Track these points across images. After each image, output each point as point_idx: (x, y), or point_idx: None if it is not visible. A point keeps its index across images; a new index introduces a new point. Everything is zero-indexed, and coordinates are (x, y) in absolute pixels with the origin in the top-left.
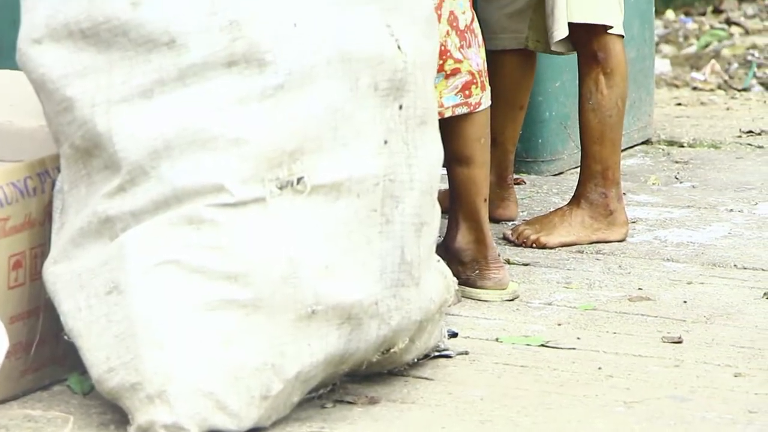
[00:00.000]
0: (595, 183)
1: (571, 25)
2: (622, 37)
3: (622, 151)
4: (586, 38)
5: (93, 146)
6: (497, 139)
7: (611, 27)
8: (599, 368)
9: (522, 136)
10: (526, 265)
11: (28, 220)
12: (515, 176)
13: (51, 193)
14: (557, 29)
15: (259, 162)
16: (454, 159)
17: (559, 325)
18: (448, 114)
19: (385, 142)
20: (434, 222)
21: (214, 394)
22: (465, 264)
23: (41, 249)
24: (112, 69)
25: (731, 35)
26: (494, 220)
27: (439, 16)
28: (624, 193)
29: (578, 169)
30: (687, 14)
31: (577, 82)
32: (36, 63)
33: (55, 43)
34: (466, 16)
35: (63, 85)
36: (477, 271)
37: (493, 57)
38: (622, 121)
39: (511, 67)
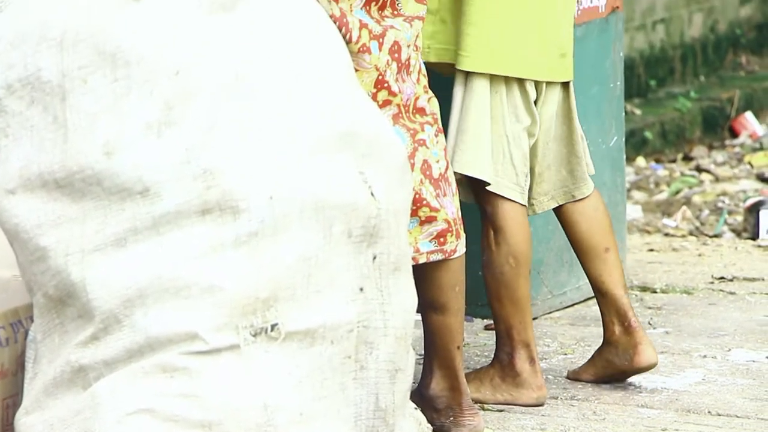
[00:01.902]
0: (502, 342)
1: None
2: (522, 205)
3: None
4: (478, 191)
5: (66, 295)
6: (601, 289)
7: (488, 183)
8: None
9: None
10: (501, 411)
11: (1, 370)
12: (486, 322)
13: (24, 343)
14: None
15: (233, 309)
16: (428, 306)
17: None
18: (422, 260)
19: (361, 290)
20: (408, 368)
21: None
22: (439, 411)
23: (13, 399)
24: (86, 218)
25: (702, 182)
26: (636, 370)
27: (413, 165)
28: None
29: (552, 315)
30: (658, 161)
31: (549, 227)
32: (10, 213)
33: (29, 193)
34: (441, 164)
35: (37, 235)
36: (452, 418)
37: (556, 213)
38: (519, 280)
39: (577, 214)
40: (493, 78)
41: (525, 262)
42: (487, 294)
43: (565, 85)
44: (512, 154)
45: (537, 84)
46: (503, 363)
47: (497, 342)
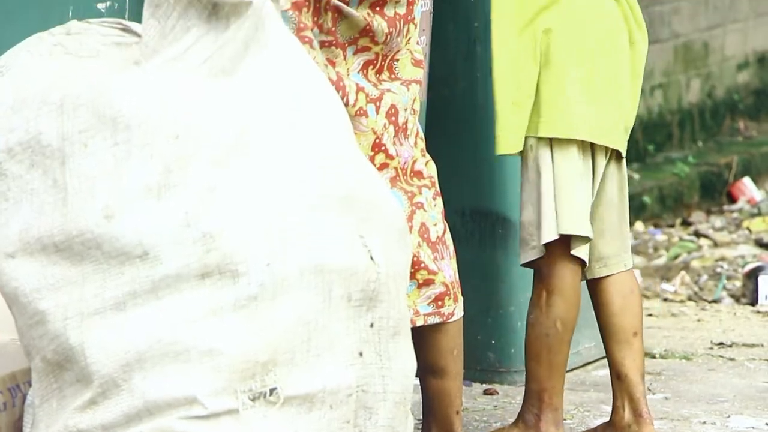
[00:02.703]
0: (531, 403)
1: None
2: (583, 263)
3: (596, 360)
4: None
5: (65, 360)
6: (621, 372)
7: (585, 239)
8: None
9: (494, 346)
10: None
11: None
12: (485, 386)
13: (22, 408)
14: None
15: (232, 373)
16: (427, 370)
17: None
18: (420, 322)
19: (360, 354)
20: None
21: None
22: None
23: None
24: (85, 282)
25: (700, 247)
26: None
27: (410, 228)
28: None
29: None
30: (656, 226)
31: None
32: (9, 277)
33: (29, 257)
34: (438, 227)
35: (36, 299)
36: None
37: (591, 285)
38: (562, 344)
39: (614, 291)
40: (578, 142)
41: (571, 328)
42: (526, 352)
43: (620, 157)
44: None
45: (601, 151)
46: (528, 424)
47: (525, 402)
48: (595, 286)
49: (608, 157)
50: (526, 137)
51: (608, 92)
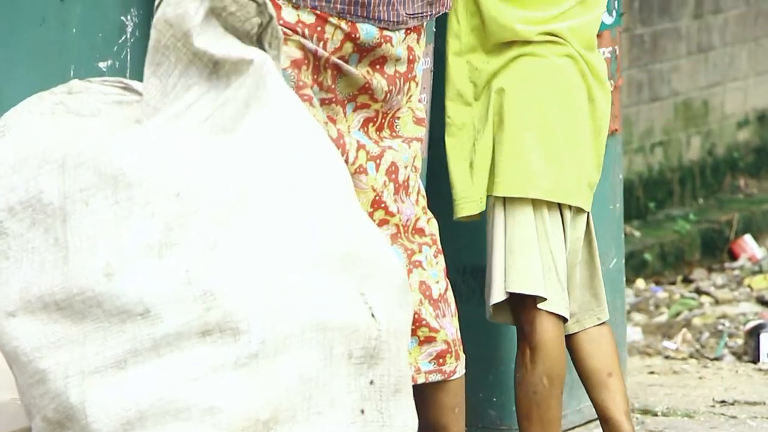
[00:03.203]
0: None
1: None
2: (563, 319)
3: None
4: (518, 311)
5: (66, 418)
6: (605, 415)
7: (543, 300)
8: None
9: (495, 403)
10: None
11: None
12: None
13: None
14: (492, 295)
15: (234, 431)
16: (428, 428)
17: None
18: (421, 380)
19: (361, 411)
20: None
21: None
22: None
23: None
24: (86, 340)
25: (701, 304)
26: None
27: (411, 285)
28: None
29: None
30: (657, 283)
31: None
32: (9, 336)
33: (30, 315)
34: (440, 285)
35: (36, 358)
36: None
37: (566, 340)
38: (551, 400)
39: (581, 339)
40: (534, 201)
41: (559, 382)
42: (517, 412)
43: (583, 212)
44: (557, 269)
45: (566, 209)
46: None
47: None
48: (568, 341)
49: (573, 214)
50: (487, 197)
51: (566, 150)
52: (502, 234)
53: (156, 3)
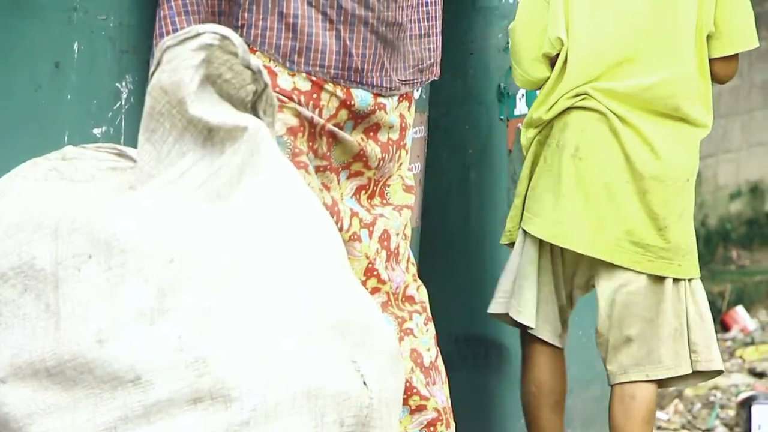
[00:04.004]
0: None
1: None
2: (555, 348)
3: None
4: (521, 332)
5: None
6: None
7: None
8: None
9: None
10: None
11: None
12: None
13: None
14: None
15: None
16: None
17: None
18: None
19: None
20: None
21: None
22: None
23: None
24: (77, 407)
25: None
26: None
27: (402, 353)
28: None
29: None
30: None
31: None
32: (0, 403)
33: (20, 381)
34: (431, 353)
35: (27, 425)
36: None
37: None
38: (539, 410)
39: (617, 394)
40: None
41: (548, 392)
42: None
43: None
44: (551, 303)
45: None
46: None
47: None
48: (611, 391)
49: (608, 268)
50: None
51: (590, 200)
52: (513, 254)
53: (151, 70)
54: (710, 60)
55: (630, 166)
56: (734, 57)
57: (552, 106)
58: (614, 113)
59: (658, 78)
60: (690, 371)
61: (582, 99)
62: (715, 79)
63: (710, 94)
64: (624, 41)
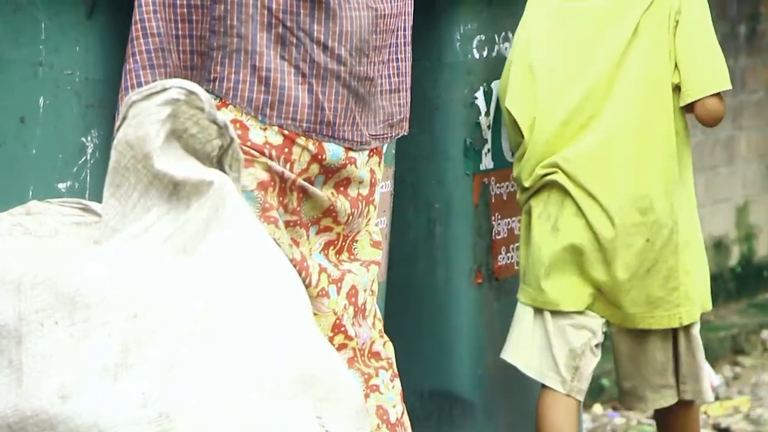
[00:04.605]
0: None
1: None
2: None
3: None
4: None
5: None
6: None
7: None
8: None
9: None
10: None
11: None
12: None
13: None
14: None
15: None
16: None
17: None
18: None
19: None
20: None
21: None
22: None
23: None
24: None
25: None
26: None
27: (368, 409)
28: None
29: None
30: (614, 409)
31: None
32: None
33: None
34: (397, 409)
35: None
36: None
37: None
38: None
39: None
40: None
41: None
42: None
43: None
44: (552, 346)
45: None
46: None
47: None
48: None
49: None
50: None
51: (570, 256)
52: (519, 307)
53: (117, 125)
54: (687, 107)
55: (593, 235)
56: (709, 99)
57: (531, 173)
58: (577, 184)
59: (606, 136)
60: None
61: (554, 172)
62: (701, 123)
63: (673, 150)
64: (585, 106)
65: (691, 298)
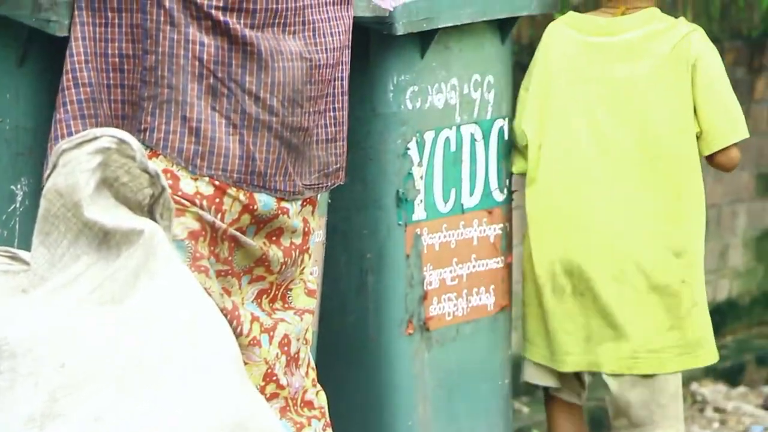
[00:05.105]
0: None
1: None
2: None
3: None
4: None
5: None
6: None
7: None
8: None
9: None
10: None
11: None
12: None
13: None
14: None
15: None
16: None
17: None
18: None
19: None
20: None
21: None
22: None
23: None
24: None
25: None
26: None
27: None
28: None
29: None
30: None
31: None
32: None
33: None
34: None
35: None
36: None
37: None
38: None
39: None
40: None
41: None
42: None
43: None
44: None
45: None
46: None
47: None
48: None
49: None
50: None
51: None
52: None
53: (47, 173)
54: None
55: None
56: (732, 148)
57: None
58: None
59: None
60: None
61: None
62: (721, 170)
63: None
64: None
65: None
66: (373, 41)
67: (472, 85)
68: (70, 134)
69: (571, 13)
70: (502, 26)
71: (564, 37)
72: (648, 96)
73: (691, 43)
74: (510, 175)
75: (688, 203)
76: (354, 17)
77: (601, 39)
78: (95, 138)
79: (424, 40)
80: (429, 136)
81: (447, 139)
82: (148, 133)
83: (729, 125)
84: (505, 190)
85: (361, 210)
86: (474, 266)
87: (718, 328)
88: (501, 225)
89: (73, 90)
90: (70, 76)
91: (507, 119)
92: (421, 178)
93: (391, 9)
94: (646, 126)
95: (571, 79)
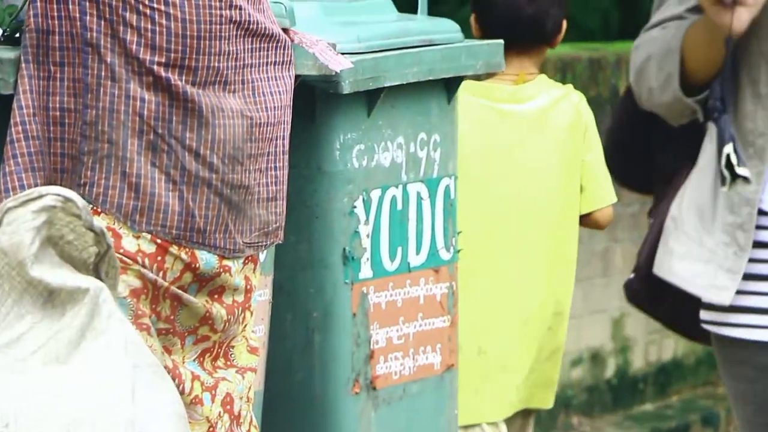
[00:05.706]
0: None
1: None
2: None
3: None
4: None
5: None
6: None
7: None
8: None
9: None
10: None
11: None
12: None
13: None
14: None
15: None
16: None
17: None
18: None
19: None
20: None
21: None
22: None
23: None
24: None
25: None
26: None
27: None
28: None
29: None
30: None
31: None
32: None
33: None
34: None
35: None
36: None
37: None
38: None
39: None
40: None
41: None
42: None
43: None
44: None
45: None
46: None
47: None
48: None
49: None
50: None
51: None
52: None
53: None
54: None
55: None
56: (608, 208)
57: None
58: None
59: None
60: None
61: None
62: (597, 227)
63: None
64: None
65: None
66: (319, 100)
67: (418, 143)
68: (21, 187)
69: (471, 82)
70: (448, 85)
71: (474, 105)
72: (551, 161)
73: (581, 112)
74: (456, 233)
75: (572, 264)
76: (300, 76)
77: (511, 107)
78: (40, 196)
79: (370, 98)
80: (375, 194)
81: (393, 198)
82: (87, 188)
83: (608, 187)
84: (452, 249)
85: (308, 268)
86: (421, 325)
87: (664, 388)
88: (447, 284)
89: (23, 143)
90: (20, 128)
91: (453, 178)
92: (368, 236)
93: (338, 71)
94: (549, 193)
95: (486, 145)
